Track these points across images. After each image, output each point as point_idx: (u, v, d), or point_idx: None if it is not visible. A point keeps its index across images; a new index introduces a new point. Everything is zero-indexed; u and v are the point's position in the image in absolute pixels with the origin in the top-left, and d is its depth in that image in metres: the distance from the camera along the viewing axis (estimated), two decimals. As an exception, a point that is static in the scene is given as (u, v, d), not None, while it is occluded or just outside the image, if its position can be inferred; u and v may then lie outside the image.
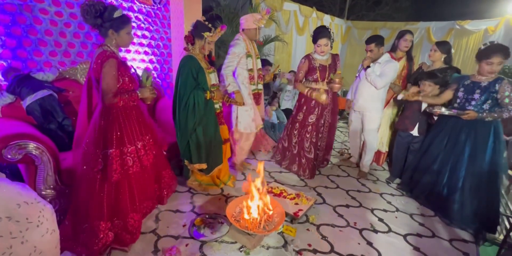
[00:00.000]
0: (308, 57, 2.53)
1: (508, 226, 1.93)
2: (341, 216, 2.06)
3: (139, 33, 2.84)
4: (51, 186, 1.60)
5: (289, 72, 4.52)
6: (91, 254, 1.44)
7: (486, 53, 1.85)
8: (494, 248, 1.83)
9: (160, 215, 1.91)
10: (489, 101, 1.92)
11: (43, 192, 1.58)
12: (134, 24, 2.77)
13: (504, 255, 1.67)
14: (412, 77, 2.66)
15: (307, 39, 5.82)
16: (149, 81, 1.64)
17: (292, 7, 5.18)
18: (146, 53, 2.96)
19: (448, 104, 2.18)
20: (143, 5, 2.81)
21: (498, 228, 1.94)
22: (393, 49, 2.72)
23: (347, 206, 2.22)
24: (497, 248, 1.74)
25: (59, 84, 2.13)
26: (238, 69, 2.41)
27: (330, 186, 2.56)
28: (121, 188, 1.54)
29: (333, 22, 6.15)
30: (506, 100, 1.86)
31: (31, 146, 1.48)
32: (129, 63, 2.73)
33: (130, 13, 2.72)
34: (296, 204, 2.04)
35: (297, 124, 2.67)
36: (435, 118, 2.30)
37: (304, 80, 2.60)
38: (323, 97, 2.48)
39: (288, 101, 4.09)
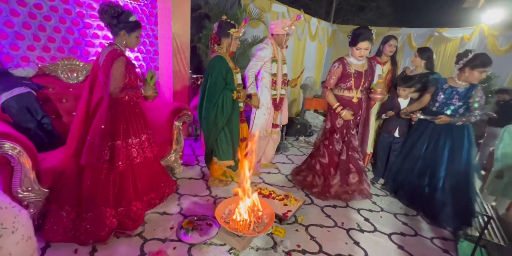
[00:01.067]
0: (342, 61, 2.17)
1: (482, 223, 2.05)
2: (328, 216, 2.09)
3: (124, 29, 2.74)
4: (29, 189, 1.50)
5: None
6: (98, 240, 1.52)
7: (482, 62, 1.92)
8: (470, 245, 1.92)
9: (147, 217, 1.84)
10: (464, 106, 2.04)
11: (20, 195, 1.48)
12: (119, 20, 2.67)
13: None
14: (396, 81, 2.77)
15: (294, 41, 5.88)
16: (153, 81, 1.74)
17: (281, 9, 5.21)
18: (131, 50, 2.87)
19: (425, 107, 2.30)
20: (129, 1, 2.73)
21: (474, 225, 2.05)
22: (379, 54, 2.80)
23: (334, 206, 2.25)
24: (473, 245, 1.84)
25: (38, 81, 2.01)
26: (263, 73, 2.45)
27: (318, 186, 2.59)
28: (125, 177, 1.63)
29: (320, 25, 6.25)
30: (475, 105, 1.98)
31: (7, 145, 1.38)
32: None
33: (116, 9, 2.63)
34: (285, 205, 2.05)
35: (339, 133, 2.29)
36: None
37: (334, 87, 2.27)
38: (350, 117, 2.19)
39: None
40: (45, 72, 2.13)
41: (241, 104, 2.29)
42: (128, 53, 2.85)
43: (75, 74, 2.25)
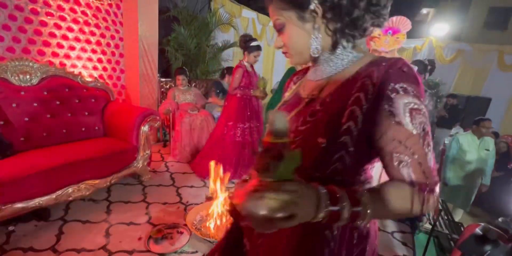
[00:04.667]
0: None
1: (434, 217, 2.27)
2: (299, 217, 2.16)
3: (86, 29, 2.59)
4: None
5: None
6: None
7: (432, 69, 2.19)
8: (426, 236, 2.11)
9: (111, 229, 1.74)
10: None
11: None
12: (80, 20, 2.52)
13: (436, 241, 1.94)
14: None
15: (264, 46, 6.01)
16: (262, 85, 2.55)
17: (251, 15, 5.31)
18: (93, 51, 2.71)
19: None
20: (91, 0, 2.58)
21: (427, 218, 2.26)
22: None
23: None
24: (427, 235, 2.03)
25: (-18, 83, 1.81)
26: None
27: (288, 189, 2.66)
28: (234, 148, 2.57)
29: (289, 32, 6.50)
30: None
31: None
32: (71, 62, 2.44)
33: (76, 7, 2.47)
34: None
35: None
36: None
37: None
38: None
39: None
40: (-9, 74, 1.92)
41: None
42: (89, 55, 2.70)
43: (27, 76, 2.06)
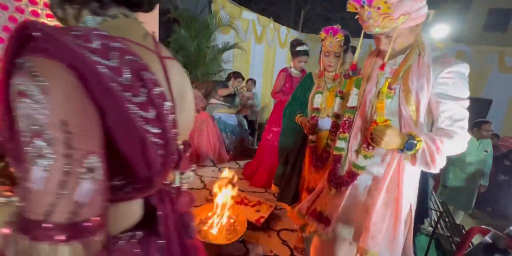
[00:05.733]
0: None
1: (436, 219, 2.26)
2: (299, 219, 2.15)
3: (86, 31, 2.60)
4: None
5: (247, 81, 4.60)
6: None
7: None
8: (427, 238, 2.10)
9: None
10: None
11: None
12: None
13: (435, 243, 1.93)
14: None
15: (264, 48, 6.02)
16: None
17: (251, 17, 5.31)
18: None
19: None
20: (91, 2, 2.59)
21: (428, 220, 2.24)
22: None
23: (305, 209, 2.32)
24: (428, 238, 2.02)
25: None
26: None
27: (289, 191, 2.65)
28: None
29: (289, 33, 6.49)
30: None
31: None
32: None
33: (76, 9, 2.48)
34: (257, 211, 2.06)
35: None
36: None
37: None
38: None
39: None
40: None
41: (313, 137, 1.55)
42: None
43: (28, 78, 2.07)
